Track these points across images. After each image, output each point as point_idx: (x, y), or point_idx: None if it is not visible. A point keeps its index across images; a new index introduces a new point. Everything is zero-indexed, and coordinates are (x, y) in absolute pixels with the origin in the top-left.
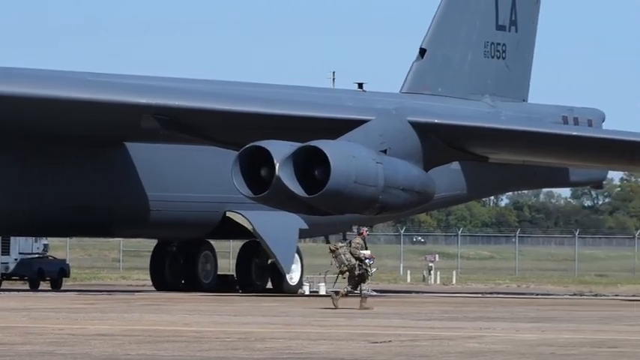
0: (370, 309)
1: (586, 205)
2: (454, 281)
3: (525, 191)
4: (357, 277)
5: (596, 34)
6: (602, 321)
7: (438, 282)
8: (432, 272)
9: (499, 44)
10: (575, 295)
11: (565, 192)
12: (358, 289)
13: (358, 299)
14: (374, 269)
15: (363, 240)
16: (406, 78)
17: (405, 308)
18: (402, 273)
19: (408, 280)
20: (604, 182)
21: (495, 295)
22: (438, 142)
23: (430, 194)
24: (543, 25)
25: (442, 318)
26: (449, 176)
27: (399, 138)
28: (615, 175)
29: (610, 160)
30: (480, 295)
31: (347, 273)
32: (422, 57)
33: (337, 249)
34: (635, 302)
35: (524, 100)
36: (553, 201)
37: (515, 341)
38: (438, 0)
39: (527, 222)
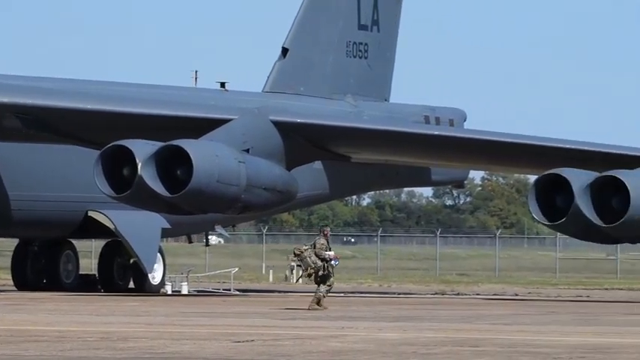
0: (322, 309)
1: (447, 204)
2: None
3: (387, 191)
4: (319, 278)
5: (457, 33)
6: (464, 320)
7: (301, 281)
8: (294, 271)
9: (361, 44)
10: (436, 294)
11: (427, 191)
12: (320, 287)
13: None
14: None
15: (327, 241)
16: (269, 77)
17: (268, 308)
18: (264, 272)
19: (271, 279)
20: (465, 182)
21: (357, 295)
22: (301, 141)
23: (293, 194)
24: (405, 24)
25: (304, 317)
26: (311, 176)
27: (262, 137)
28: (476, 175)
29: (471, 159)
30: (342, 295)
31: (314, 275)
32: (284, 56)
33: (302, 252)
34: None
35: (386, 100)
36: (415, 200)
37: (377, 340)
38: None
39: (389, 221)
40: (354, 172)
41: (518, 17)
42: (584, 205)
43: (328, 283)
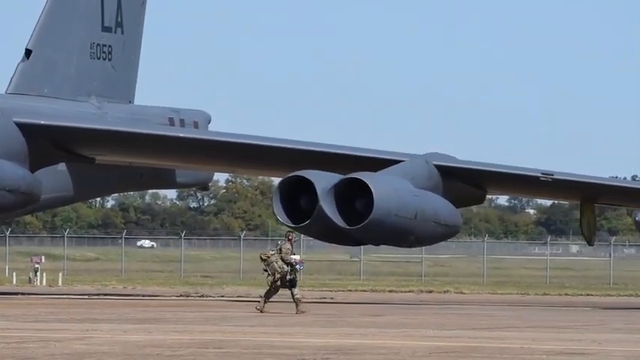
0: (305, 312)
1: (192, 206)
2: (60, 283)
3: (131, 193)
4: (287, 282)
5: (202, 36)
6: (209, 322)
7: (44, 283)
8: (38, 274)
9: (105, 46)
10: (181, 296)
11: (171, 193)
12: (291, 293)
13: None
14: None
15: (292, 246)
16: (12, 79)
17: (12, 310)
18: (7, 275)
19: (14, 281)
20: (210, 184)
21: (102, 297)
22: (44, 143)
23: (36, 196)
24: (150, 26)
25: (49, 320)
26: (54, 177)
27: (4, 139)
28: (221, 177)
29: (215, 161)
30: (86, 297)
31: (280, 279)
32: (27, 58)
33: (269, 257)
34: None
35: (130, 102)
36: (159, 202)
37: (122, 342)
38: (44, 0)
39: (134, 223)
40: (99, 174)
41: (260, 20)
42: (328, 207)
43: (296, 287)
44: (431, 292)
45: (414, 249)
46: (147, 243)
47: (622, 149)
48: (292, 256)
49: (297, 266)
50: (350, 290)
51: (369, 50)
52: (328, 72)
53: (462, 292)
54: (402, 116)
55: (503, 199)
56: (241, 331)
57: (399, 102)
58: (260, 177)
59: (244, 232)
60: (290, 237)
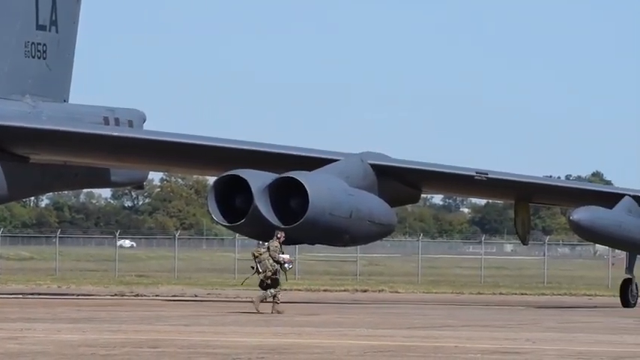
0: (282, 312)
1: (126, 205)
2: None
3: (66, 192)
4: (269, 280)
5: (136, 35)
6: (143, 321)
7: None
8: None
9: (40, 44)
10: (115, 295)
11: (106, 192)
12: (268, 292)
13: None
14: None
15: (280, 244)
16: None
17: None
18: None
19: None
20: (145, 183)
21: (36, 296)
22: None
23: None
24: (85, 25)
25: None
26: None
27: None
28: (156, 176)
29: (150, 160)
30: (20, 296)
31: (270, 276)
32: None
33: (261, 254)
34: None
35: (65, 101)
36: (94, 201)
37: (56, 342)
38: None
39: (68, 222)
40: (33, 173)
41: (194, 17)
42: (263, 206)
43: (277, 287)
44: (366, 291)
45: (349, 248)
46: (126, 243)
47: (556, 149)
48: (282, 255)
49: (286, 265)
50: (285, 289)
51: (302, 48)
52: (263, 71)
53: (396, 292)
54: (338, 115)
55: (437, 199)
56: (176, 331)
57: (335, 101)
58: (195, 176)
59: (179, 231)
60: (279, 235)
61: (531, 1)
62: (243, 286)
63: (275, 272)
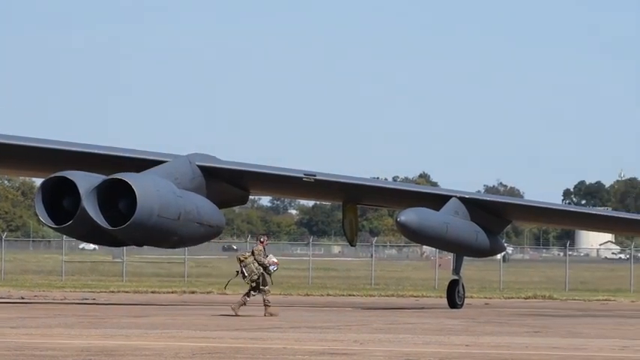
0: (275, 314)
1: None
2: None
3: None
4: (254, 284)
5: None
6: None
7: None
8: None
9: None
10: None
11: None
12: (249, 295)
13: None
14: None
15: (264, 248)
16: None
17: None
18: None
19: None
20: None
21: None
22: None
23: None
24: None
25: None
26: None
27: None
28: None
29: None
30: None
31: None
32: None
33: (246, 258)
34: None
35: None
36: None
37: None
38: None
39: None
40: None
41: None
42: (91, 207)
43: (265, 289)
44: (194, 292)
45: (177, 250)
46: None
47: (384, 151)
48: (268, 258)
49: (271, 267)
50: (112, 292)
51: (135, 45)
52: (92, 69)
53: (225, 293)
54: (167, 116)
55: (266, 200)
56: (2, 333)
57: (165, 101)
58: (21, 177)
59: (5, 233)
60: (262, 239)
61: None
62: (225, 290)
63: (260, 275)
